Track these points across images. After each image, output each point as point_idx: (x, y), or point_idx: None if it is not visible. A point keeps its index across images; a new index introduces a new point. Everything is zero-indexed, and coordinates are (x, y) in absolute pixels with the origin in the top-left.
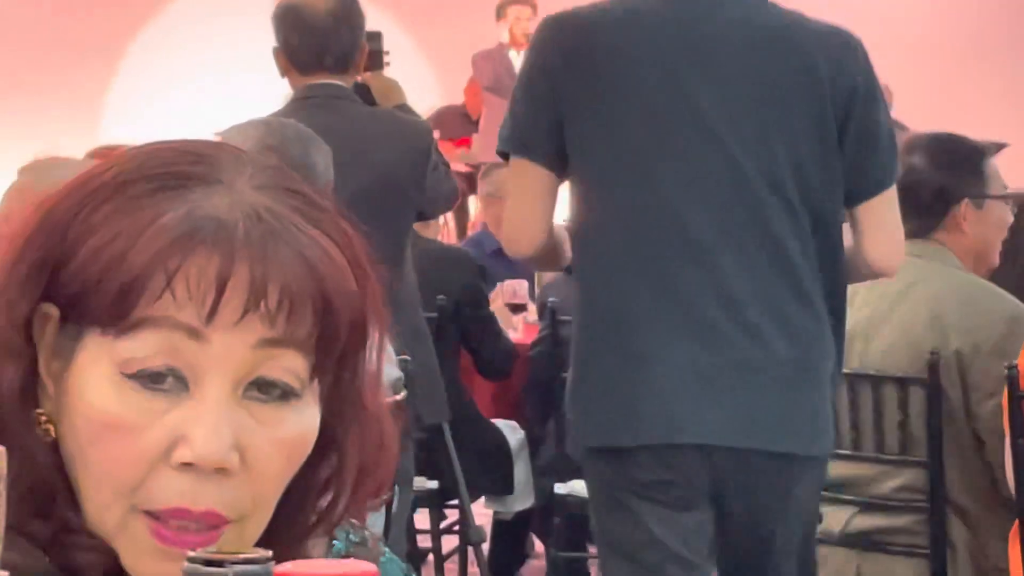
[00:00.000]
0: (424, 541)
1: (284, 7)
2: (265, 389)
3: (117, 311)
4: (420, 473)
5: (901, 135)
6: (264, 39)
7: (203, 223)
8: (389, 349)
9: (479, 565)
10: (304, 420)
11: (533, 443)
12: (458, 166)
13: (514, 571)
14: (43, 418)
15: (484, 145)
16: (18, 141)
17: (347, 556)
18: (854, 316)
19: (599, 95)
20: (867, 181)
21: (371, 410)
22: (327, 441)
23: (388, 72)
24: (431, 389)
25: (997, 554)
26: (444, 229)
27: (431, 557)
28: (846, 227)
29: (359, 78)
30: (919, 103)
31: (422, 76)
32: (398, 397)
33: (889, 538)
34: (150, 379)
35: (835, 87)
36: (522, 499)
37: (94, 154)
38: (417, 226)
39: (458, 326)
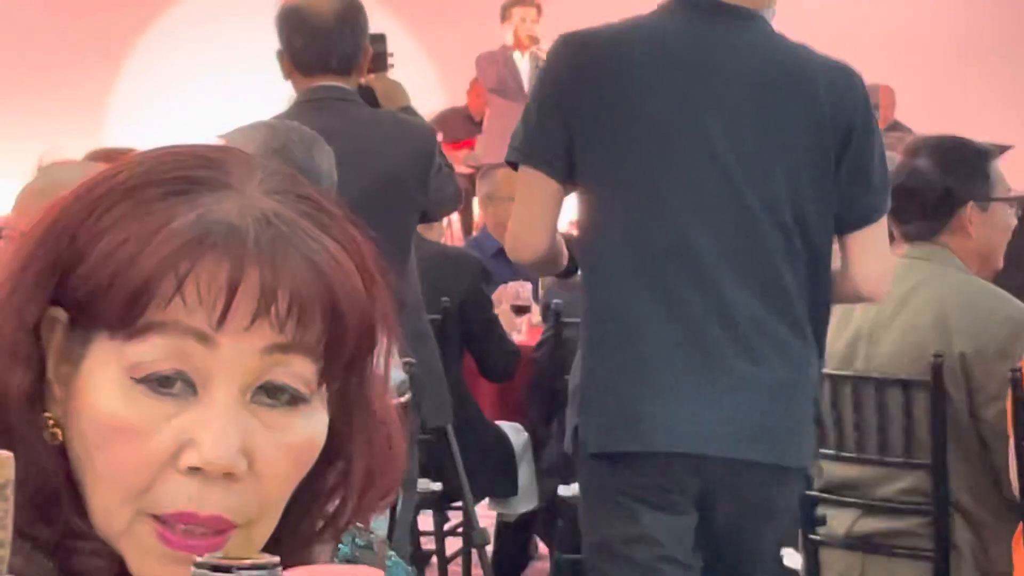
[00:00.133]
0: (428, 543)
1: (288, 9)
2: (273, 394)
3: (127, 315)
4: (424, 475)
5: (904, 137)
6: (268, 41)
7: (213, 228)
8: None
9: (483, 567)
10: (312, 425)
11: (537, 445)
12: (461, 168)
13: (518, 573)
14: (51, 421)
15: (487, 146)
16: (21, 141)
17: (353, 560)
18: (858, 319)
19: (609, 116)
20: (859, 212)
21: (379, 415)
22: (335, 446)
23: (392, 74)
24: (435, 391)
25: (1001, 557)
26: (448, 231)
27: (435, 559)
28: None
29: (363, 80)
30: (921, 104)
31: (426, 78)
32: (402, 399)
33: (893, 541)
34: (159, 383)
35: (835, 122)
36: (526, 501)
37: (94, 156)
38: (421, 228)
39: (461, 328)
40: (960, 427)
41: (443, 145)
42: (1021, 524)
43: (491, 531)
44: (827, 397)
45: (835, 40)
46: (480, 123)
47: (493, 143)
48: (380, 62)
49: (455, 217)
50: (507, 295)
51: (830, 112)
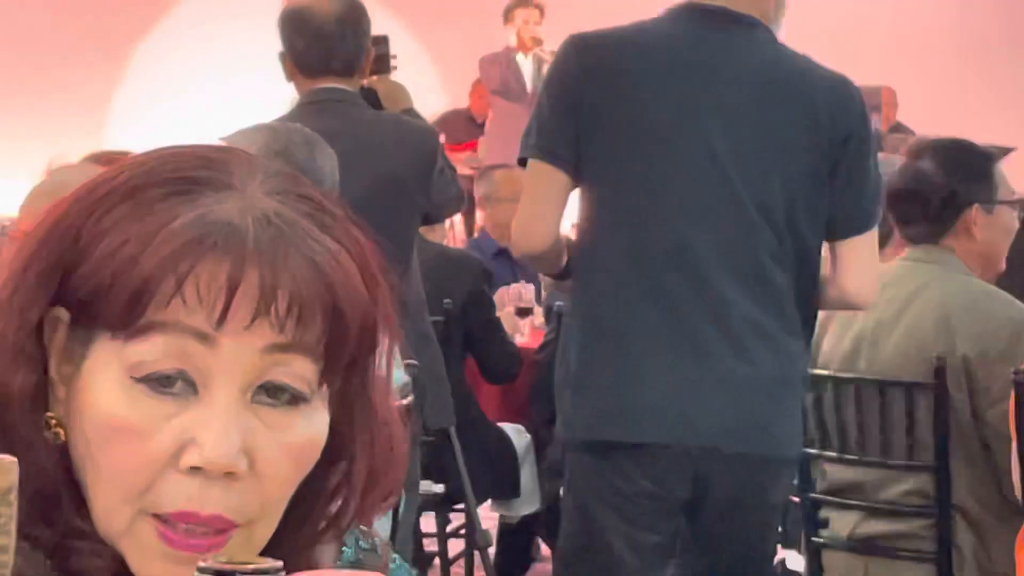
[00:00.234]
0: (430, 545)
1: (290, 11)
2: (274, 394)
3: (128, 315)
4: (426, 477)
5: (907, 139)
6: (270, 43)
7: (214, 228)
8: (395, 353)
9: (485, 569)
10: (313, 425)
11: (539, 447)
12: (464, 170)
13: (520, 575)
14: (53, 421)
15: (490, 148)
16: (24, 142)
17: (357, 564)
18: (861, 321)
19: (613, 115)
20: (851, 221)
21: (381, 415)
22: (337, 446)
23: (394, 76)
24: (437, 393)
25: (1003, 559)
26: (451, 233)
27: (437, 561)
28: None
29: (365, 82)
30: (922, 105)
31: (428, 80)
32: (405, 401)
33: (896, 543)
34: (159, 383)
35: (832, 131)
36: (528, 503)
37: (92, 159)
38: (423, 230)
39: (464, 330)
40: (962, 429)
41: (445, 147)
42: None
43: (493, 533)
44: (829, 399)
45: (836, 41)
46: (482, 125)
47: (495, 145)
48: (382, 64)
49: (458, 219)
50: (510, 297)
51: (827, 121)
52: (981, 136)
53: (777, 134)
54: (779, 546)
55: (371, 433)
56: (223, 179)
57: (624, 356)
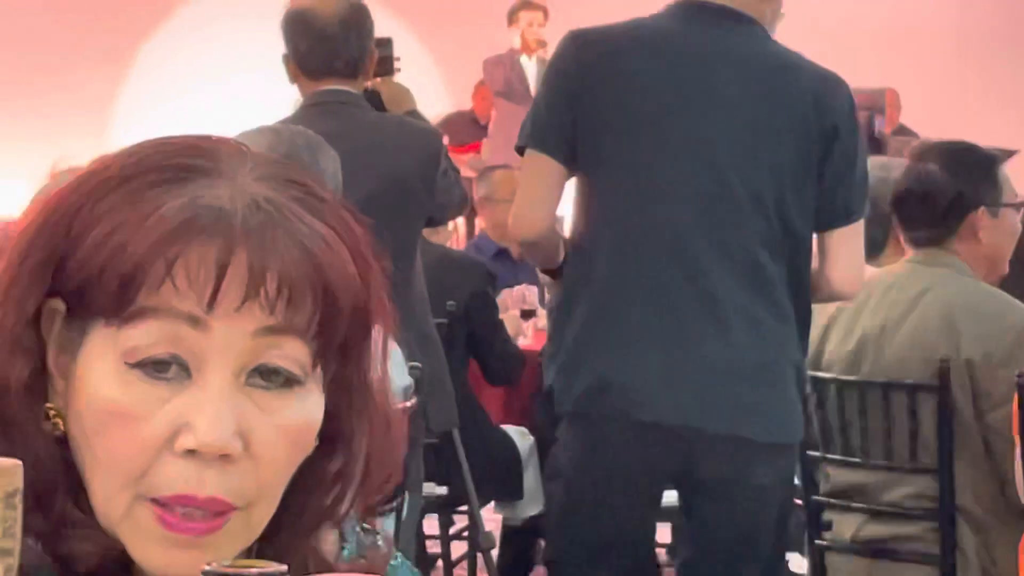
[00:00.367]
0: (433, 547)
1: (293, 13)
2: (267, 376)
3: (119, 301)
4: (429, 479)
5: (910, 141)
6: (273, 44)
7: (203, 212)
8: (399, 355)
9: (488, 571)
10: (307, 407)
11: (543, 449)
12: (467, 172)
13: None
14: (52, 412)
15: (493, 150)
16: (27, 143)
17: (359, 558)
18: (866, 323)
19: (607, 107)
20: (838, 211)
21: (378, 400)
22: (335, 432)
23: (398, 78)
24: (441, 395)
25: (1007, 561)
26: (454, 235)
27: (440, 563)
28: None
29: (369, 84)
30: (923, 106)
31: (432, 82)
32: (408, 404)
33: (899, 545)
34: (154, 367)
35: (820, 125)
36: (532, 505)
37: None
38: (426, 232)
39: (467, 332)
40: (966, 432)
41: (449, 149)
42: None
43: (497, 535)
44: (833, 401)
45: (838, 42)
46: (485, 127)
47: (499, 146)
48: (386, 66)
49: (461, 221)
50: (513, 299)
51: (815, 113)
52: (982, 138)
53: (767, 124)
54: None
55: (369, 417)
56: (212, 166)
57: (614, 337)
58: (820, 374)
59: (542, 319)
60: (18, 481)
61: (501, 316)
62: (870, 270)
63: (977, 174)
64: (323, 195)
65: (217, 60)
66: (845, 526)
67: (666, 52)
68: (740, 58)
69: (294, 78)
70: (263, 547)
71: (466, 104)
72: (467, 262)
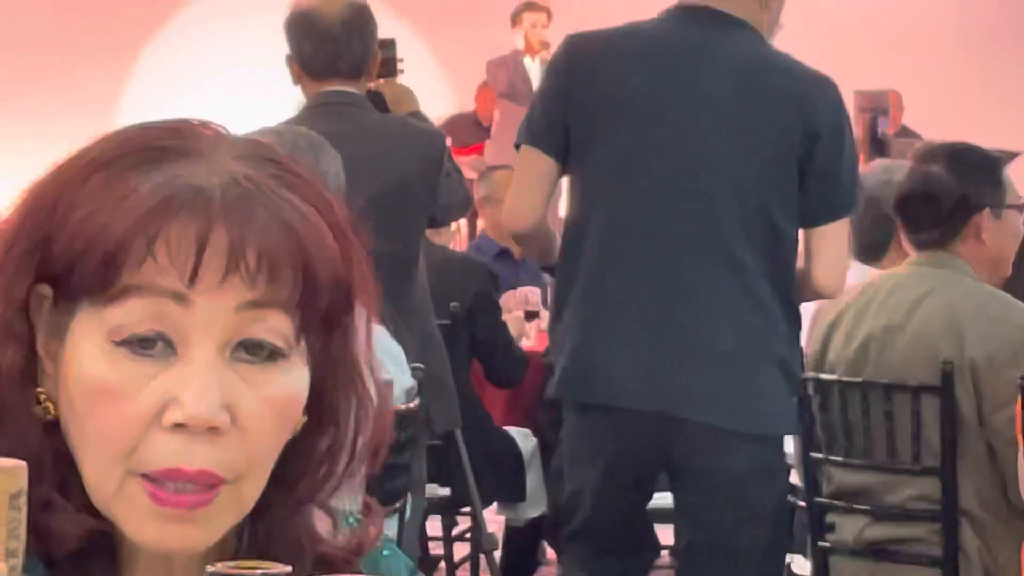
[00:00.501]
0: (436, 548)
1: (296, 14)
2: (252, 350)
3: (102, 280)
4: (432, 480)
5: (913, 143)
6: (277, 45)
7: (181, 190)
8: (402, 356)
9: (491, 572)
10: (292, 379)
11: (546, 450)
12: (470, 173)
13: None
14: (43, 396)
15: (496, 151)
16: (31, 143)
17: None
18: (869, 325)
19: (595, 106)
20: (821, 208)
21: (364, 375)
22: (322, 407)
23: (401, 79)
24: (444, 396)
25: (1010, 563)
26: (457, 236)
27: (443, 564)
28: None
29: (372, 85)
30: (926, 109)
31: (436, 83)
32: (411, 405)
33: (902, 547)
34: (139, 344)
35: (805, 124)
36: (534, 506)
37: None
38: (429, 233)
39: (470, 333)
40: (969, 433)
41: (452, 150)
42: None
43: (499, 536)
44: (836, 403)
45: (839, 43)
46: (488, 128)
47: (502, 148)
48: (390, 67)
49: (462, 222)
50: (516, 300)
51: (801, 112)
52: (983, 138)
53: (749, 121)
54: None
55: (356, 393)
56: (191, 147)
57: (595, 327)
58: (823, 376)
59: (545, 320)
60: (22, 482)
61: (504, 317)
62: (873, 272)
63: (981, 176)
64: (300, 172)
65: (219, 60)
66: (848, 528)
67: (654, 51)
68: (727, 57)
69: (297, 79)
70: (256, 523)
71: (469, 105)
72: (470, 263)
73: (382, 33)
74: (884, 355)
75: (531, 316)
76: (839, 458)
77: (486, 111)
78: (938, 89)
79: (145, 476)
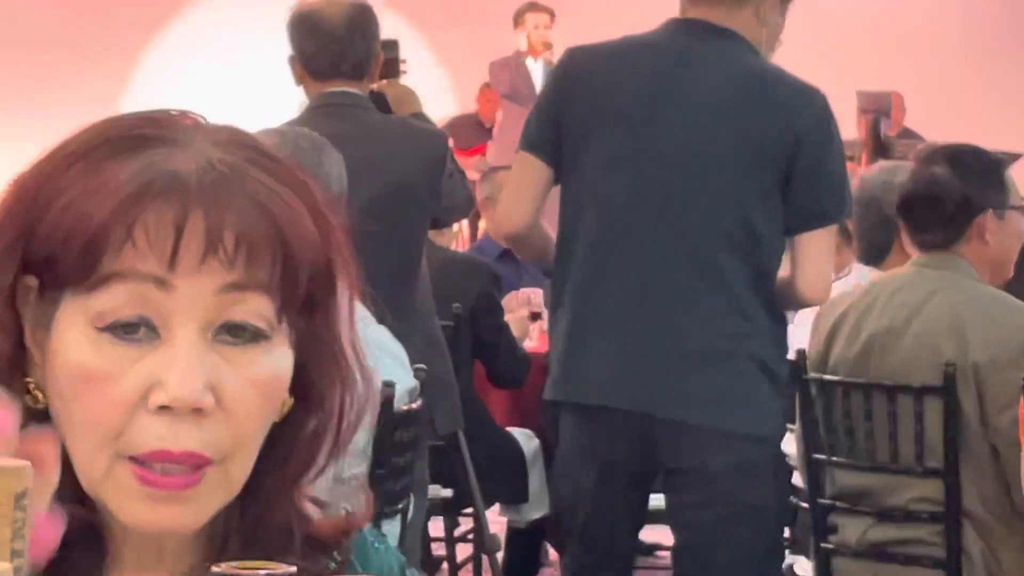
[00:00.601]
0: (439, 549)
1: (299, 15)
2: (235, 332)
3: (84, 267)
4: (434, 481)
5: (916, 145)
6: (279, 45)
7: (158, 175)
8: (404, 357)
9: (493, 573)
10: (274, 360)
11: (548, 451)
12: (473, 174)
13: None
14: (32, 386)
15: (499, 152)
16: (33, 144)
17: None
18: (872, 326)
19: (586, 116)
20: (805, 216)
21: (348, 355)
22: (308, 388)
23: (404, 80)
24: (446, 397)
25: (1013, 564)
26: (459, 237)
27: (445, 565)
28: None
29: (375, 86)
30: (927, 110)
31: (438, 84)
32: (414, 406)
33: (905, 549)
34: (123, 330)
35: (785, 133)
36: (537, 507)
37: None
38: (431, 234)
39: (473, 334)
40: (972, 435)
41: (454, 152)
42: None
43: (502, 537)
44: (839, 404)
45: (842, 45)
46: (490, 130)
47: (505, 149)
48: (392, 68)
49: (464, 223)
50: (519, 301)
51: (781, 122)
52: (985, 140)
53: (732, 128)
54: (787, 551)
55: (340, 374)
56: (169, 135)
57: (578, 328)
58: (826, 377)
59: (547, 321)
60: (27, 482)
61: (506, 318)
62: (875, 273)
63: (984, 177)
64: (277, 156)
65: (221, 61)
66: (851, 529)
67: (642, 61)
68: (714, 66)
69: (300, 79)
70: (245, 504)
71: (472, 106)
72: (473, 264)
73: (385, 34)
74: (887, 356)
75: (534, 317)
76: (842, 459)
77: (488, 112)
78: (940, 90)
79: (133, 459)
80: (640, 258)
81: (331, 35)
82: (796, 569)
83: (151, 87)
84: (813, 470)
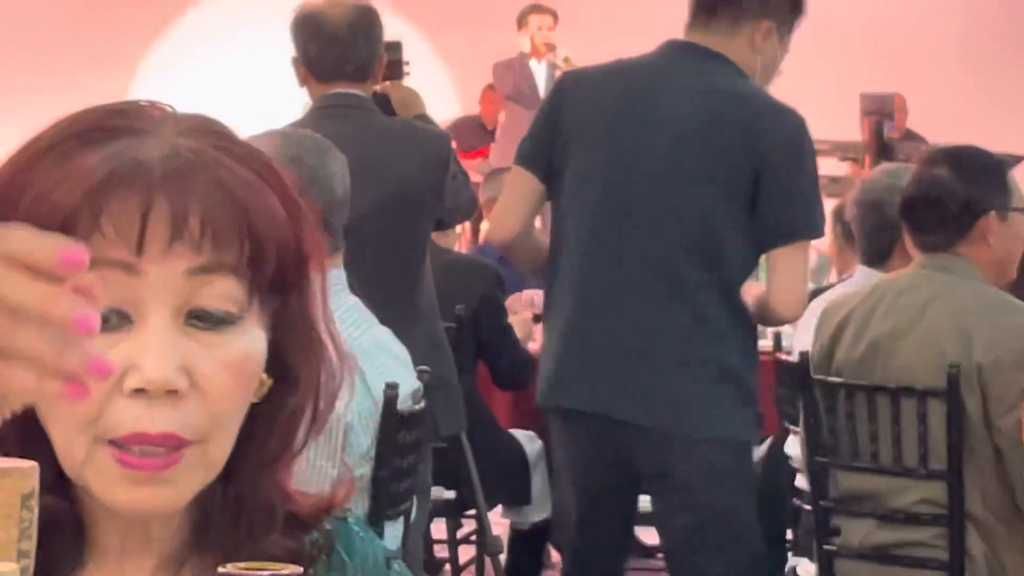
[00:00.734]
0: (441, 551)
1: (302, 17)
2: (205, 317)
3: None
4: (437, 483)
5: (918, 147)
6: (283, 47)
7: (123, 164)
8: (407, 358)
9: (496, 575)
10: (246, 341)
11: (551, 454)
12: (476, 176)
13: None
14: None
15: (502, 154)
16: None
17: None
18: (876, 328)
19: (573, 128)
20: (775, 232)
21: (323, 335)
22: (284, 369)
23: (407, 82)
24: (449, 399)
25: (1015, 567)
26: (462, 238)
27: (448, 567)
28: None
29: (378, 88)
30: (928, 112)
31: (441, 86)
32: (417, 407)
33: (908, 551)
34: None
35: (753, 151)
36: (540, 509)
37: None
38: (435, 235)
39: (476, 336)
40: (976, 437)
41: (457, 154)
42: None
43: (504, 539)
44: (842, 407)
45: (844, 47)
46: (493, 131)
47: (508, 150)
48: (396, 70)
49: (467, 225)
50: (522, 302)
51: (750, 139)
52: (987, 141)
53: (702, 143)
54: (790, 553)
55: (315, 353)
56: (137, 126)
57: (553, 335)
58: (830, 379)
59: None
60: (34, 482)
61: (510, 319)
62: (878, 275)
63: (987, 179)
64: (245, 143)
65: (225, 63)
66: (854, 532)
67: (626, 81)
68: (689, 83)
69: (303, 81)
70: (228, 485)
71: (475, 108)
72: (476, 265)
73: (388, 35)
74: (890, 359)
75: (537, 318)
76: (845, 461)
77: (491, 114)
78: (942, 92)
79: (112, 442)
80: (609, 268)
81: (334, 37)
82: (799, 571)
83: (155, 87)
84: (816, 472)
